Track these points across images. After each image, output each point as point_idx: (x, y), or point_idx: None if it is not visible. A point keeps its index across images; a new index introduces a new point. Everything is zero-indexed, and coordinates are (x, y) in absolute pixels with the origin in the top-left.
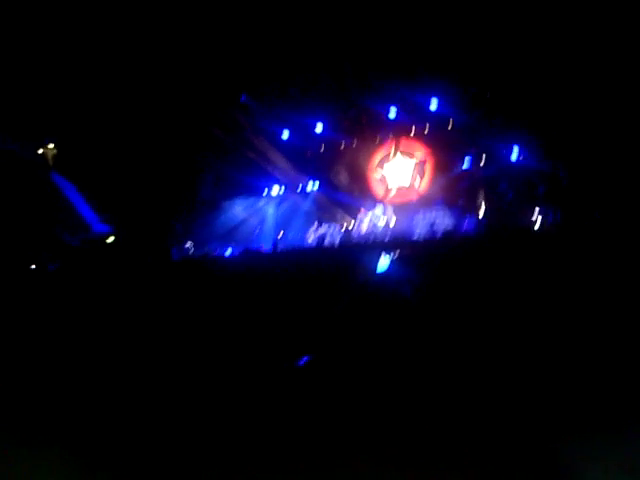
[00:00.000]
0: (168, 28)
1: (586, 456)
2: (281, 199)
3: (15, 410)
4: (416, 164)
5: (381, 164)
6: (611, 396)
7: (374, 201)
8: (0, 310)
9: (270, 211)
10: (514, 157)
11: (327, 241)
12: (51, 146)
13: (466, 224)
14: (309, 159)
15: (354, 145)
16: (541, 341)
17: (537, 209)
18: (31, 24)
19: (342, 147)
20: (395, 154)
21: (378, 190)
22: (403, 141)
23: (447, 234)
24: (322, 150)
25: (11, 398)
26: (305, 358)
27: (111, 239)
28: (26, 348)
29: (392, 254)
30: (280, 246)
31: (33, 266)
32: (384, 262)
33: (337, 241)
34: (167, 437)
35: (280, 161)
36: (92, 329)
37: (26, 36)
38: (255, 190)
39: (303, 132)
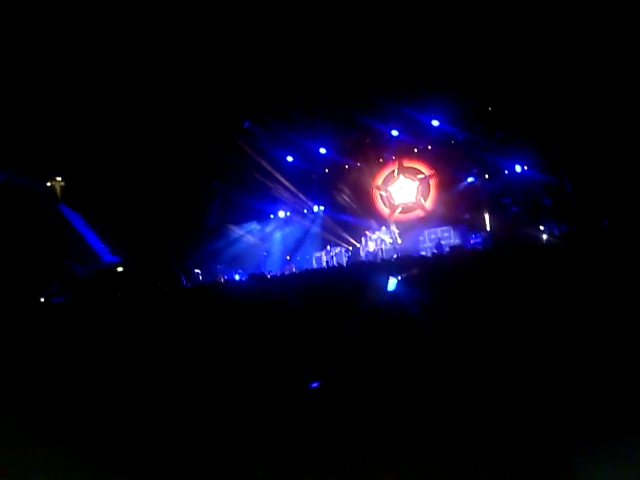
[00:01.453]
0: (170, 60)
1: (595, 460)
2: (288, 223)
3: (20, 448)
4: (420, 182)
5: (385, 183)
6: (618, 404)
7: (380, 220)
8: (11, 343)
9: (277, 235)
10: (518, 170)
11: (335, 262)
12: (59, 179)
13: (473, 239)
14: (314, 182)
15: (358, 166)
16: (552, 354)
17: (544, 221)
18: (38, 64)
19: (346, 168)
20: (399, 173)
21: (384, 209)
22: (406, 160)
23: (454, 250)
24: (327, 172)
25: (16, 435)
26: (317, 382)
27: (121, 269)
28: (38, 377)
29: (401, 272)
30: (288, 269)
31: (43, 299)
32: (393, 281)
33: (345, 262)
34: (174, 470)
35: (285, 185)
36: (104, 358)
37: (34, 74)
38: (262, 215)
39: (307, 155)
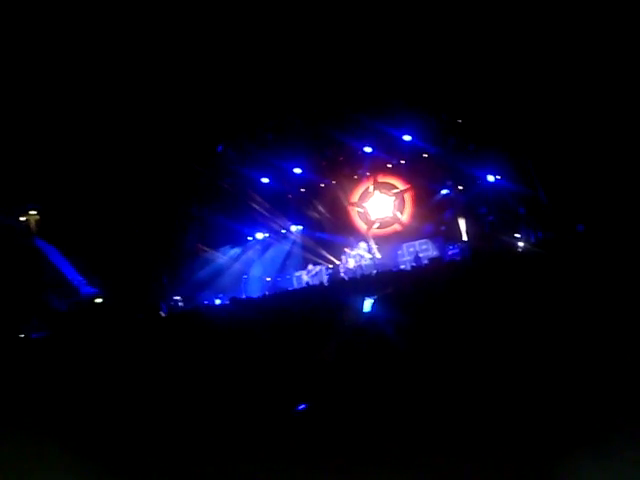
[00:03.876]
0: (142, 85)
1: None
2: (267, 244)
3: None
4: (396, 196)
5: (361, 200)
6: (611, 409)
7: (358, 237)
8: None
9: (257, 257)
10: (491, 180)
11: (316, 281)
12: (33, 212)
13: (451, 250)
14: (291, 202)
15: (333, 184)
16: (537, 364)
17: (519, 229)
18: (9, 96)
19: (322, 187)
20: (374, 189)
21: (361, 226)
22: (381, 175)
23: (432, 262)
24: (303, 192)
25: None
26: (302, 405)
27: (99, 300)
28: (20, 413)
29: (380, 289)
30: (269, 291)
31: (22, 335)
32: (373, 300)
33: (325, 281)
34: None
35: (263, 206)
36: (87, 390)
37: (5, 106)
38: (240, 238)
39: (282, 176)
